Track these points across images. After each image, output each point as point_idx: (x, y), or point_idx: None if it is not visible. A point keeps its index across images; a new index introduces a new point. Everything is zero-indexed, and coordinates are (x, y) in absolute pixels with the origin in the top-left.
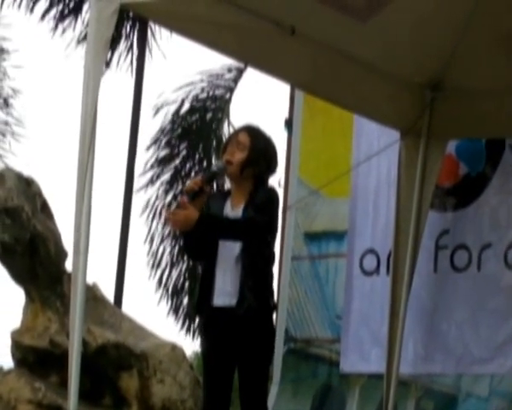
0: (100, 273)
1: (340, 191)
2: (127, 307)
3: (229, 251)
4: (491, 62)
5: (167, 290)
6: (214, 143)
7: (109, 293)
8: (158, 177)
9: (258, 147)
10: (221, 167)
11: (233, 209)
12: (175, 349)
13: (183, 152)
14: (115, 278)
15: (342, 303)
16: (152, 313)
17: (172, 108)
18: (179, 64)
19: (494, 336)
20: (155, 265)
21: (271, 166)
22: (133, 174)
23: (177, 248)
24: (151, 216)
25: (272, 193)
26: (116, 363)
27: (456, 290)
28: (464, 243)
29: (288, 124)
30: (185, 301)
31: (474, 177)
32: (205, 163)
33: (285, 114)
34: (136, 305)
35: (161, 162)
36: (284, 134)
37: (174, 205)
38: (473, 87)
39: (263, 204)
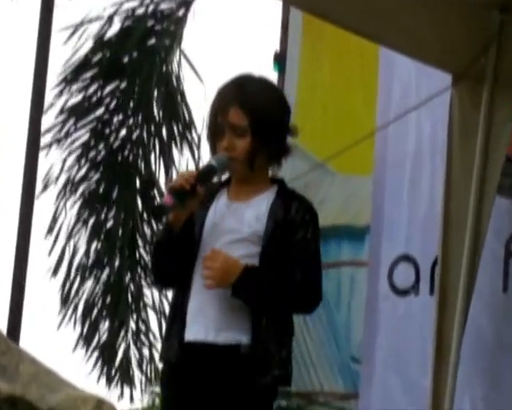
0: None
1: (359, 165)
2: (27, 342)
3: None
4: None
5: (75, 309)
6: (162, 86)
7: (0, 320)
8: (68, 135)
9: (263, 120)
10: (224, 163)
11: (230, 203)
12: (102, 406)
13: (110, 97)
14: (9, 298)
15: (361, 338)
16: (67, 350)
17: (94, 29)
18: None
19: None
20: (61, 272)
21: (285, 127)
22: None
23: (93, 246)
24: (56, 195)
25: (316, 221)
26: None
27: None
28: None
29: (279, 60)
30: (104, 327)
31: None
32: (140, 117)
33: (275, 45)
34: (41, 338)
35: (74, 113)
36: (273, 75)
37: (156, 206)
38: None
39: (310, 241)
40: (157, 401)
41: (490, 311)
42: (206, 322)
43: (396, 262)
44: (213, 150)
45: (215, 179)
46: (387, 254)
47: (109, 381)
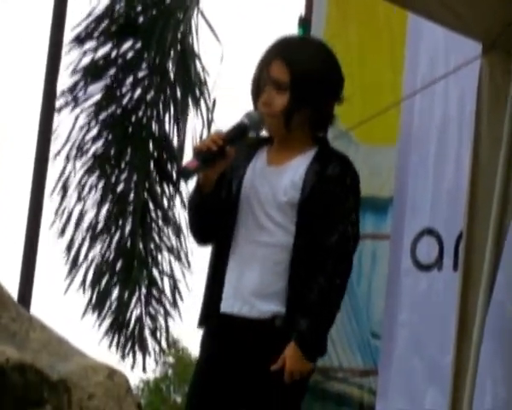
0: None
1: (384, 135)
2: (38, 309)
3: (255, 230)
4: None
5: (85, 274)
6: (178, 46)
7: (11, 286)
8: (79, 95)
9: (306, 78)
10: (256, 120)
11: (268, 167)
12: (113, 376)
13: (124, 57)
14: (21, 263)
15: (382, 313)
16: (79, 318)
17: None
18: None
19: None
20: (69, 236)
21: (334, 92)
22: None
23: (104, 210)
24: (68, 159)
25: (355, 180)
26: (20, 395)
27: None
28: None
29: (304, 25)
30: (114, 294)
31: None
32: (158, 79)
33: (300, 8)
34: (53, 305)
35: (87, 72)
36: None
37: (181, 169)
38: None
39: (350, 209)
40: (170, 372)
41: None
42: (243, 293)
43: (419, 236)
44: (255, 106)
45: (252, 135)
46: (411, 227)
47: (121, 349)
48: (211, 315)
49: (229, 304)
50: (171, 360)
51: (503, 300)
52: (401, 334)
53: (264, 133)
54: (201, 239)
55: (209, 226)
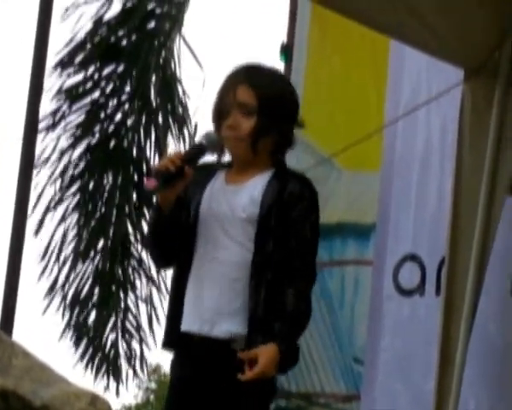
0: None
1: (366, 161)
2: (21, 334)
3: (214, 248)
4: None
5: (64, 299)
6: (160, 71)
7: None
8: (61, 118)
9: (272, 103)
10: (213, 141)
11: (226, 186)
12: (96, 402)
13: (106, 81)
14: (3, 286)
15: (365, 339)
16: (55, 342)
17: (92, 10)
18: None
19: None
20: (49, 258)
21: (293, 117)
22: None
23: (84, 234)
24: (49, 182)
25: (314, 197)
26: None
27: None
28: None
29: (286, 51)
30: (92, 316)
31: None
32: (136, 102)
33: (282, 36)
34: (36, 330)
35: (69, 95)
36: (280, 66)
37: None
38: None
39: (312, 226)
40: (152, 397)
41: (497, 313)
42: (203, 312)
43: (402, 262)
44: (218, 131)
45: (209, 156)
46: (393, 253)
47: (96, 373)
48: (173, 335)
49: (190, 323)
50: (152, 385)
51: (485, 325)
52: (384, 359)
53: (225, 158)
54: (160, 262)
55: (167, 248)
